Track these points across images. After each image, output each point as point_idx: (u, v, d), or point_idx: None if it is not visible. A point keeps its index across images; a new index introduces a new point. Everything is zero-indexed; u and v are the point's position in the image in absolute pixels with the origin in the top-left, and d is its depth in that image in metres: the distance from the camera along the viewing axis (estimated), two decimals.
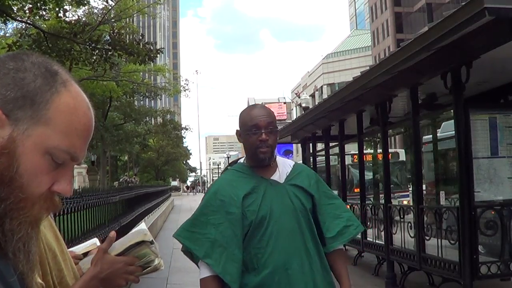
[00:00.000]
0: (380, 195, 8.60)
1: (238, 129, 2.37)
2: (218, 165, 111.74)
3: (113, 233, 1.30)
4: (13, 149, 0.73)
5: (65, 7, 13.96)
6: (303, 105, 24.24)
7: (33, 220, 0.76)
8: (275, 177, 2.33)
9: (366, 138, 10.57)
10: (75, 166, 0.83)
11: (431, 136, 8.66)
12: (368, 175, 10.51)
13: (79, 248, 1.50)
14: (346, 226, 2.37)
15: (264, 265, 2.19)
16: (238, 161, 2.47)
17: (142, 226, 1.35)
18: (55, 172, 0.77)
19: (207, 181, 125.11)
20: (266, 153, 2.27)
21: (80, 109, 0.79)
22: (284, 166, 2.39)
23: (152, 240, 1.30)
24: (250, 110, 2.36)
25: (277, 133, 2.34)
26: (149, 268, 1.30)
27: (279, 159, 2.42)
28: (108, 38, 14.57)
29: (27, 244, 0.75)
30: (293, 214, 2.26)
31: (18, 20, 14.41)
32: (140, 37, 15.29)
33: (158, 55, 15.41)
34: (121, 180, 36.69)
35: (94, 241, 1.57)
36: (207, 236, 2.22)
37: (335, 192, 3.76)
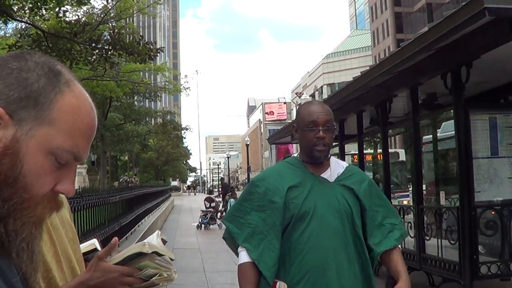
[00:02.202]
0: None
1: (295, 124, 2.33)
2: (218, 165, 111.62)
3: (115, 240, 1.24)
4: (17, 149, 0.73)
5: (66, 7, 13.97)
6: None
7: (36, 221, 0.76)
8: (326, 175, 2.29)
9: (366, 138, 10.57)
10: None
11: (431, 136, 8.66)
12: (368, 175, 10.48)
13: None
14: (385, 237, 2.29)
15: (301, 261, 2.15)
16: (292, 155, 2.44)
17: (151, 237, 1.28)
18: (58, 172, 0.77)
19: (207, 181, 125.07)
20: (323, 151, 2.23)
21: (84, 109, 0.79)
22: (336, 166, 2.34)
23: (156, 251, 1.23)
24: (309, 106, 2.32)
25: (334, 131, 2.29)
26: (148, 281, 1.23)
27: (333, 159, 2.36)
28: (108, 37, 14.57)
29: (30, 244, 0.75)
30: (338, 214, 2.20)
31: (18, 20, 14.40)
32: (140, 37, 15.30)
33: (158, 55, 15.41)
34: (121, 180, 36.67)
35: (93, 242, 1.56)
36: (249, 222, 2.24)
37: None
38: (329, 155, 2.33)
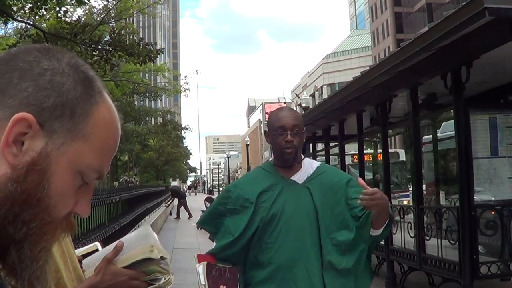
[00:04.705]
0: None
1: (267, 130, 2.50)
2: (218, 165, 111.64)
3: (120, 243, 1.24)
4: (46, 166, 0.64)
5: (66, 7, 13.96)
6: (303, 105, 24.20)
7: (52, 246, 0.69)
8: (296, 177, 2.43)
9: (366, 138, 10.57)
10: None
11: (431, 136, 8.66)
12: (368, 175, 10.50)
13: (79, 251, 1.50)
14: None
15: (270, 260, 2.32)
16: (268, 161, 2.61)
17: (151, 239, 1.27)
18: (78, 192, 0.69)
19: (207, 181, 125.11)
20: (291, 153, 2.39)
21: (114, 123, 0.72)
22: (307, 167, 2.47)
23: (162, 256, 1.23)
24: (278, 112, 2.50)
25: (303, 135, 2.44)
26: (154, 285, 1.24)
27: (306, 161, 2.51)
28: (109, 38, 14.56)
29: (44, 272, 0.67)
30: (305, 215, 2.34)
31: (18, 20, 14.39)
32: (140, 39, 15.30)
33: (158, 56, 15.41)
34: (121, 180, 36.65)
35: (95, 244, 1.56)
36: (224, 222, 2.44)
37: None
38: (302, 158, 2.49)
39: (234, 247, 2.37)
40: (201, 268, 2.37)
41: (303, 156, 2.51)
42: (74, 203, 0.69)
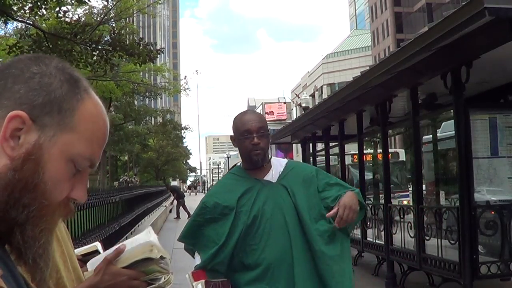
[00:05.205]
0: (380, 195, 8.60)
1: (233, 134, 2.51)
2: (218, 165, 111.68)
3: (123, 246, 1.26)
4: (39, 156, 0.73)
5: (66, 7, 13.93)
6: (303, 105, 24.17)
7: (52, 227, 0.77)
8: (268, 177, 2.47)
9: (366, 138, 10.57)
10: None
11: (431, 136, 8.66)
12: (368, 175, 10.50)
13: (79, 250, 1.50)
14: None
15: (257, 261, 2.34)
16: (236, 165, 2.63)
17: (150, 238, 1.28)
18: (73, 179, 0.77)
19: (207, 181, 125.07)
20: (259, 155, 2.42)
21: (101, 116, 0.80)
22: (277, 166, 2.52)
23: (161, 255, 1.24)
24: (242, 116, 2.51)
25: (269, 136, 2.48)
26: (154, 285, 1.24)
27: (274, 160, 2.55)
28: (109, 38, 14.54)
29: (46, 251, 0.75)
30: (285, 211, 2.39)
31: (18, 20, 14.37)
32: (140, 39, 15.29)
33: (158, 55, 15.40)
34: (121, 180, 36.66)
35: (95, 244, 1.56)
36: (203, 232, 2.44)
37: None
38: (270, 157, 2.52)
39: (221, 255, 2.38)
40: (200, 286, 2.38)
41: (270, 156, 2.54)
42: (70, 189, 0.77)
